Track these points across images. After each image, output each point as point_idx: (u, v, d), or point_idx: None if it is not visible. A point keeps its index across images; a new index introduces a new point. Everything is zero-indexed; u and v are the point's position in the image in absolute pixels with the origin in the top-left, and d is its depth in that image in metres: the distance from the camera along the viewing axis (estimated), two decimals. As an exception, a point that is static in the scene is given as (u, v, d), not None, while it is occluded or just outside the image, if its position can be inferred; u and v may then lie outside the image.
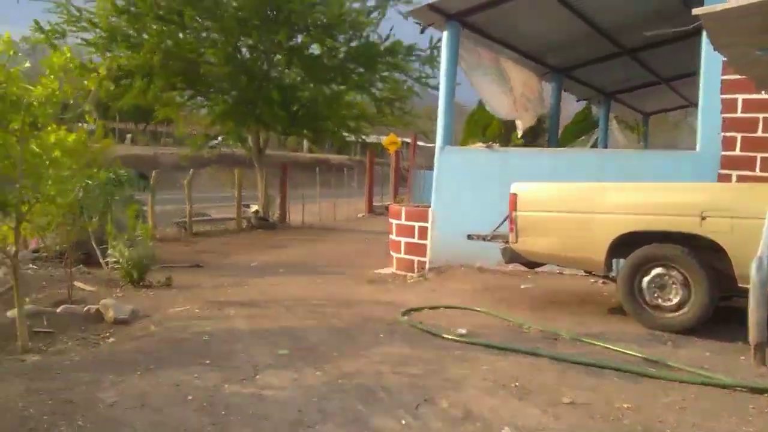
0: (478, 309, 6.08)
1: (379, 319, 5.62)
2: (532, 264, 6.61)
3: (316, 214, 18.98)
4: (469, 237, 6.65)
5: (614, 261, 5.97)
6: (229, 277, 9.24)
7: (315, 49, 14.92)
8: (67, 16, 14.11)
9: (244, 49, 15.72)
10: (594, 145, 16.42)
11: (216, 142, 25.14)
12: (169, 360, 4.10)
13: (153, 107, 17.02)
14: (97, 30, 14.17)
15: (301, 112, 16.04)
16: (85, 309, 6.13)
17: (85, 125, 11.78)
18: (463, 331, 5.07)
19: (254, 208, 17.52)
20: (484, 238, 6.51)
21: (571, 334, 5.13)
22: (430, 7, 8.08)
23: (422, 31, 8.79)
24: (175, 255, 11.61)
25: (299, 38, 15.36)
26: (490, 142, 9.02)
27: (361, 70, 16.28)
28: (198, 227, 14.98)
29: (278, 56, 15.56)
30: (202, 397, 3.30)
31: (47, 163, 5.67)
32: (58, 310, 6.03)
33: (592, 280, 7.81)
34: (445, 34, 8.60)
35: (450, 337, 4.92)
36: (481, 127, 22.38)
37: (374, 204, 22.90)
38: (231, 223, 16.15)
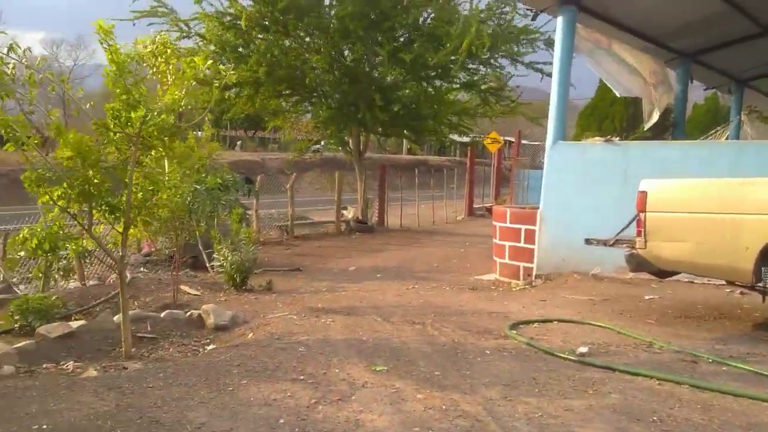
0: (599, 324, 5.40)
1: (485, 332, 5.13)
2: (662, 273, 5.80)
3: (415, 217, 18.66)
4: (588, 242, 5.96)
5: (765, 269, 5.07)
6: (326, 282, 9.13)
7: (417, 50, 14.60)
8: (179, 33, 14.79)
9: (346, 52, 15.78)
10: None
11: (318, 146, 25.56)
12: (263, 373, 3.88)
13: (261, 115, 17.58)
14: (208, 45, 14.74)
15: (401, 112, 15.81)
16: (188, 314, 6.16)
17: (200, 133, 12.29)
18: (583, 350, 4.46)
19: (351, 211, 17.52)
20: (605, 243, 5.80)
21: (713, 356, 4.37)
22: (544, -10, 7.45)
23: (534, 18, 8.18)
24: (276, 258, 11.75)
25: (401, 40, 15.19)
26: (609, 136, 8.20)
27: (469, 66, 15.80)
28: (299, 230, 15.17)
29: (380, 57, 15.42)
30: (294, 422, 3.01)
31: (158, 168, 5.77)
32: (162, 315, 6.09)
33: (729, 290, 6.82)
34: (559, 20, 7.91)
35: (568, 357, 4.33)
36: (597, 121, 20.80)
37: (474, 206, 22.22)
38: (330, 227, 16.22)
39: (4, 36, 4.80)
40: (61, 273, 7.45)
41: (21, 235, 4.94)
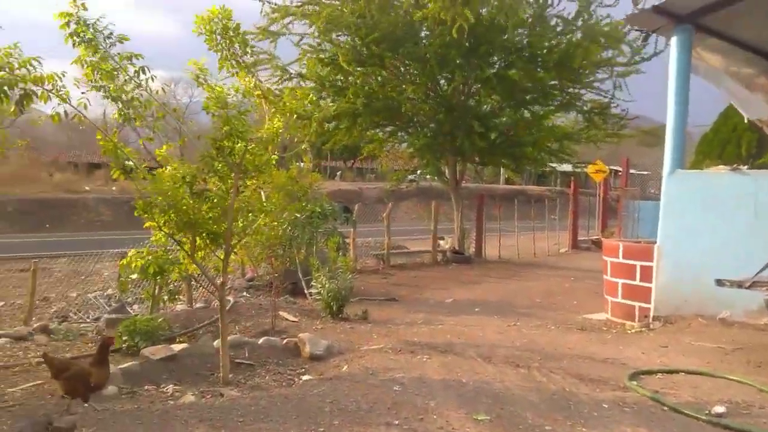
0: (735, 378, 4.71)
1: (599, 381, 4.62)
2: (811, 321, 5.01)
3: (514, 249, 17.97)
4: (720, 283, 5.27)
5: None
6: (422, 314, 8.85)
7: (512, 75, 14.21)
8: (281, 74, 15.43)
9: (442, 82, 15.71)
10: None
11: (414, 176, 25.61)
12: (356, 414, 3.67)
13: (359, 146, 17.84)
14: (307, 82, 15.30)
15: (499, 139, 15.39)
16: (284, 342, 6.13)
17: (301, 164, 12.63)
18: (719, 409, 3.86)
19: (448, 241, 17.18)
20: (740, 285, 5.10)
21: None
22: (657, 9, 6.87)
23: (645, 39, 7.60)
24: (372, 287, 11.65)
25: (496, 66, 14.87)
26: (735, 165, 7.38)
27: (567, 84, 15.19)
28: (395, 260, 15.05)
29: (476, 85, 15.20)
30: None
31: (261, 198, 5.86)
32: (260, 341, 6.09)
33: None
34: (674, 41, 7.28)
35: (702, 417, 3.75)
36: (719, 147, 19.05)
37: (579, 238, 21.09)
38: (426, 256, 15.96)
39: (137, 60, 5.01)
40: (168, 296, 7.72)
41: (127, 259, 5.12)
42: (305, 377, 5.22)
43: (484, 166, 20.52)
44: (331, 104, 14.88)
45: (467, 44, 14.04)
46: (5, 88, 4.30)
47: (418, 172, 20.81)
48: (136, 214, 5.00)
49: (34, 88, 4.48)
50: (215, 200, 5.18)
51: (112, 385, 4.51)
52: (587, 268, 14.24)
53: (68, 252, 14.96)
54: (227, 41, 5.21)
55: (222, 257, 5.17)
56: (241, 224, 5.29)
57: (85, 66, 4.75)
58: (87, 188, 28.62)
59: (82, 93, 4.75)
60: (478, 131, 14.17)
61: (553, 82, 15.15)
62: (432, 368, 4.89)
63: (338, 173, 45.58)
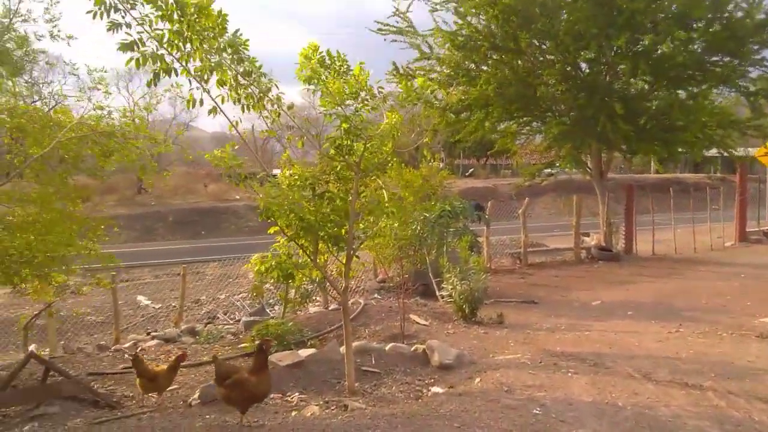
0: None
1: (799, 408, 3.68)
2: None
3: (670, 244, 16.11)
4: None
5: None
6: (565, 318, 8.05)
7: (664, 48, 12.57)
8: (420, 54, 14.99)
9: (582, 65, 14.45)
10: None
11: (551, 171, 24.26)
12: (490, 440, 3.18)
13: (490, 139, 17.01)
14: (442, 67, 14.79)
15: (649, 124, 13.78)
16: (413, 349, 5.78)
17: (432, 163, 12.29)
18: None
19: (593, 237, 15.84)
20: None
21: None
22: None
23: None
24: (508, 288, 10.95)
25: (644, 40, 13.28)
26: None
27: (727, 59, 13.22)
28: (533, 258, 14.12)
29: (621, 66, 13.74)
30: None
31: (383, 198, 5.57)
32: (387, 347, 5.80)
33: None
34: None
35: None
36: None
37: (747, 230, 18.46)
38: (568, 254, 14.80)
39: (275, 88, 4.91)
40: (300, 299, 7.74)
41: (250, 264, 5.08)
42: (434, 389, 4.82)
43: (633, 154, 18.64)
44: (456, 92, 14.29)
45: (605, 18, 12.77)
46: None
47: (557, 165, 19.47)
48: (260, 219, 4.92)
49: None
50: (337, 202, 4.96)
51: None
52: (760, 264, 12.32)
53: (218, 257, 16.01)
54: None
55: (344, 261, 4.93)
56: (362, 226, 5.01)
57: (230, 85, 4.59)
58: (237, 197, 30.77)
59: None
60: (621, 115, 12.77)
61: (714, 59, 13.29)
62: (579, 386, 4.23)
63: (471, 171, 44.75)
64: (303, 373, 5.21)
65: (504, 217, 17.36)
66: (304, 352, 5.60)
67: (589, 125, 13.62)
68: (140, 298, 14.04)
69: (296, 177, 4.89)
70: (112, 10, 3.81)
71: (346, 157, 4.86)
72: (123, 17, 3.87)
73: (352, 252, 4.90)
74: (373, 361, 5.53)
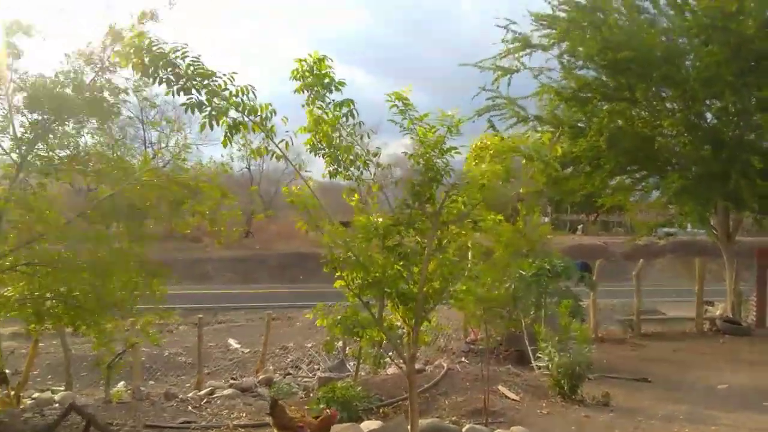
0: None
1: None
2: None
3: (818, 319, 13.79)
4: None
5: None
6: (685, 404, 6.78)
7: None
8: (516, 118, 14.32)
9: (708, 115, 13.06)
10: None
11: (669, 230, 22.14)
12: None
13: (600, 195, 15.74)
14: (544, 127, 13.95)
15: (790, 182, 12.02)
16: (492, 434, 4.96)
17: (533, 216, 11.43)
18: None
19: (718, 307, 13.93)
20: None
21: None
22: None
23: None
24: (616, 361, 9.66)
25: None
26: None
27: None
28: (647, 327, 12.58)
29: (757, 115, 12.19)
30: None
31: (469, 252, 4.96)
32: (463, 429, 5.01)
33: None
34: None
35: None
36: None
37: None
38: (689, 325, 13.06)
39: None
40: (373, 361, 7.13)
41: (311, 314, 4.64)
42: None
43: (765, 215, 16.49)
44: (564, 144, 13.35)
45: (746, 59, 11.47)
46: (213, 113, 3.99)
47: (676, 225, 17.63)
48: (325, 270, 4.46)
49: (246, 119, 4.13)
50: (410, 256, 4.39)
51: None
52: None
53: (311, 303, 15.90)
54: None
55: (411, 325, 4.31)
56: (437, 285, 4.38)
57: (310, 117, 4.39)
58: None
59: (286, 131, 4.39)
60: (758, 170, 11.22)
61: None
62: None
63: (579, 227, 42.40)
64: (365, 451, 4.58)
65: (614, 279, 15.84)
66: (367, 426, 4.96)
67: (715, 181, 12.12)
68: (231, 341, 14.12)
69: (366, 225, 4.39)
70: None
71: (424, 205, 4.32)
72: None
73: (423, 314, 4.28)
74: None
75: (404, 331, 4.51)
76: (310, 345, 13.10)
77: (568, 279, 9.87)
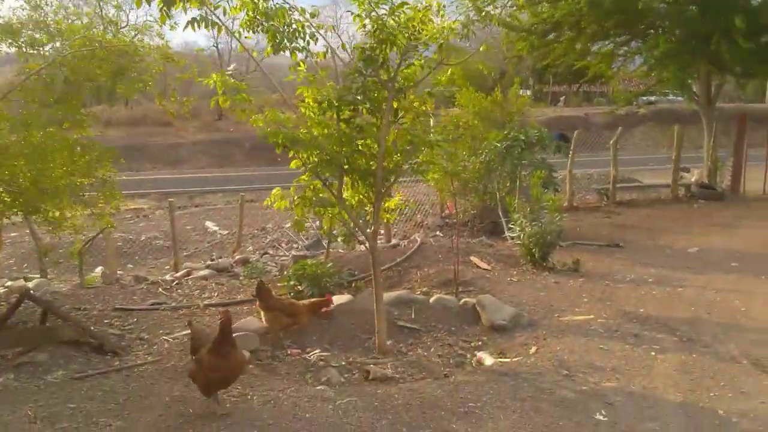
0: None
1: None
2: None
3: (787, 182, 13.96)
4: None
5: None
6: (654, 268, 6.83)
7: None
8: None
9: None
10: None
11: (650, 98, 21.71)
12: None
13: (583, 65, 15.12)
14: None
15: (772, 42, 11.51)
16: (461, 303, 4.95)
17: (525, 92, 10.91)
18: None
19: (694, 173, 13.95)
20: None
21: None
22: None
23: None
24: (590, 228, 9.69)
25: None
26: None
27: None
28: (622, 195, 12.60)
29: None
30: None
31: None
32: (431, 300, 4.99)
33: None
34: None
35: None
36: None
37: None
38: (664, 192, 13.11)
39: None
40: (344, 238, 7.02)
41: (270, 199, 4.40)
42: (480, 355, 4.02)
43: (750, 78, 16.07)
44: (544, 11, 12.55)
45: None
46: None
47: (657, 94, 17.22)
48: (278, 151, 4.11)
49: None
50: (366, 129, 4.05)
51: (245, 349, 3.82)
52: None
53: (289, 184, 15.70)
54: None
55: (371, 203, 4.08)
56: (396, 158, 4.09)
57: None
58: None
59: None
60: (741, 30, 10.64)
61: None
62: (665, 374, 3.24)
63: (561, 98, 41.68)
64: (331, 324, 4.55)
65: (595, 149, 15.67)
66: (338, 299, 4.92)
67: (700, 44, 11.56)
68: (208, 223, 14.00)
69: (318, 97, 4.00)
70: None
71: (378, 72, 3.90)
72: None
73: (384, 190, 4.04)
74: (413, 316, 4.76)
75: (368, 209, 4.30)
76: (288, 225, 13.06)
77: (543, 150, 9.65)
